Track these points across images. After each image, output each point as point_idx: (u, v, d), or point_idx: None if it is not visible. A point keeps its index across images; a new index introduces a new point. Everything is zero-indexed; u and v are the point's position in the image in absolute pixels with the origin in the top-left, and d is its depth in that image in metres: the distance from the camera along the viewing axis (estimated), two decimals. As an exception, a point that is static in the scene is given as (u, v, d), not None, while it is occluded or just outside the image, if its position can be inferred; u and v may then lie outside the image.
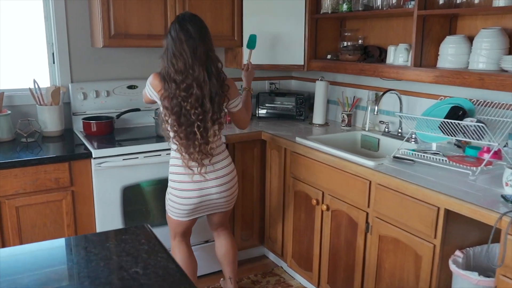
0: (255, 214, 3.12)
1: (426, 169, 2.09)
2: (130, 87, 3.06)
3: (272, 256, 3.19)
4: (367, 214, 2.23)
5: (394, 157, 2.24)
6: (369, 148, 2.84)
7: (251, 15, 3.09)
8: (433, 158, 2.13)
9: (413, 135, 2.61)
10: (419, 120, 2.29)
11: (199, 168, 2.21)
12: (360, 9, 2.70)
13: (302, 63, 3.08)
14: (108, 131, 2.86)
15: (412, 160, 2.17)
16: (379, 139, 2.80)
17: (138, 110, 3.06)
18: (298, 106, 3.28)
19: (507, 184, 1.80)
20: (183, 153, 2.19)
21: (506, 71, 2.06)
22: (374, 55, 2.83)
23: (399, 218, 2.04)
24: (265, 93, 3.43)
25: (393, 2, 2.57)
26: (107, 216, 2.56)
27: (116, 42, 2.75)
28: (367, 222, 2.24)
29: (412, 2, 2.35)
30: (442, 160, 2.08)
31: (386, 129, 2.80)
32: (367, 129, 2.93)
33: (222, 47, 3.25)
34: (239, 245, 3.03)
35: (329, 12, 2.91)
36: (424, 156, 2.17)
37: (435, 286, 1.93)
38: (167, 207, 2.39)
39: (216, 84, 2.16)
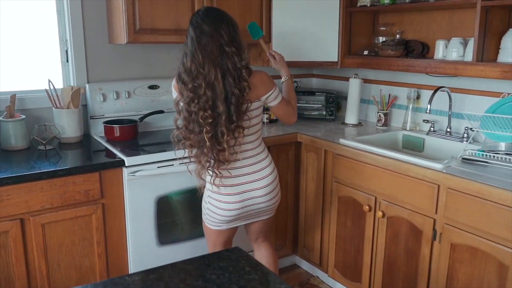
0: (288, 222, 2.92)
1: (505, 171, 1.94)
2: (151, 87, 2.80)
3: (305, 265, 3.00)
4: (434, 221, 2.07)
5: (463, 158, 2.09)
6: (412, 149, 2.69)
7: (281, 9, 2.89)
8: (510, 159, 1.98)
9: (465, 135, 2.47)
10: (484, 119, 2.15)
11: (214, 178, 1.99)
12: (407, 1, 2.53)
13: (336, 60, 2.90)
14: (132, 136, 2.60)
15: (486, 162, 2.01)
16: (424, 139, 2.65)
17: (161, 112, 2.80)
18: (329, 105, 3.10)
19: None
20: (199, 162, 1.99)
21: None
22: (415, 50, 2.68)
23: (478, 225, 1.88)
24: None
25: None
26: (140, 230, 2.31)
27: (141, 37, 2.50)
28: (434, 229, 2.07)
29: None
30: (523, 161, 1.94)
31: (432, 129, 2.65)
32: (408, 129, 2.78)
33: (251, 43, 3.02)
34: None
35: (368, 5, 2.74)
36: (498, 157, 2.02)
37: (524, 298, 1.79)
38: (204, 216, 2.17)
39: (232, 82, 1.89)
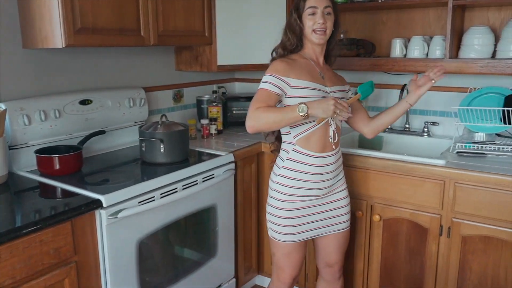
0: (254, 241, 2.65)
1: (504, 160, 2.04)
2: (83, 102, 2.22)
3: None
4: (441, 216, 2.08)
5: (458, 152, 2.14)
6: (371, 147, 2.68)
7: (225, 8, 2.59)
8: (507, 148, 2.10)
9: (425, 129, 2.57)
10: (462, 112, 2.25)
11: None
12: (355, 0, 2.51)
13: (285, 61, 2.72)
14: (78, 166, 2.02)
15: (482, 153, 2.10)
16: (383, 137, 2.68)
17: (103, 132, 2.25)
18: (273, 110, 2.91)
19: None
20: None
21: (544, 58, 2.16)
22: (363, 50, 2.68)
23: (491, 214, 1.95)
24: (233, 98, 2.95)
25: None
26: (121, 283, 1.80)
27: (82, 39, 1.94)
28: (440, 225, 2.09)
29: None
30: (518, 149, 2.07)
31: (390, 126, 2.69)
32: (362, 128, 2.77)
33: (194, 44, 2.64)
34: (240, 279, 2.55)
35: (318, 3, 2.63)
36: (492, 147, 2.13)
37: (542, 276, 1.91)
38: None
39: None
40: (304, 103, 1.65)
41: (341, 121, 1.92)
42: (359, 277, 2.37)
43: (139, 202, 1.80)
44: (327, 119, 1.79)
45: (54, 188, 1.83)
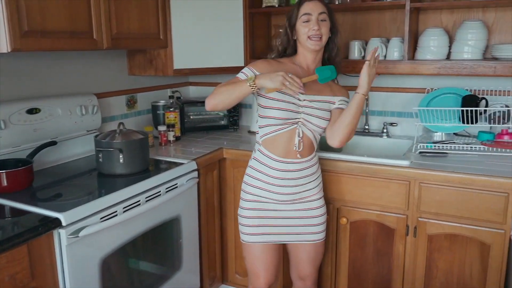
0: (217, 250, 2.56)
1: (466, 159, 2.09)
2: (30, 111, 2.04)
3: (237, 293, 2.70)
4: (407, 217, 2.10)
5: (421, 152, 2.17)
6: (333, 149, 2.67)
7: (180, 10, 2.49)
8: (467, 147, 2.15)
9: (384, 130, 2.61)
10: (422, 113, 2.29)
11: None
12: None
13: (243, 64, 2.66)
14: (28, 182, 1.85)
15: (444, 153, 2.14)
16: (343, 138, 2.68)
17: (54, 143, 2.08)
18: (232, 114, 2.84)
19: (550, 160, 1.96)
20: None
21: (497, 58, 2.25)
22: (323, 52, 2.68)
23: (455, 212, 1.99)
24: (190, 102, 2.84)
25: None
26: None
27: (30, 42, 1.78)
28: (406, 225, 2.11)
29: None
30: (478, 148, 2.13)
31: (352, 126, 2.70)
32: (321, 130, 2.77)
33: (149, 48, 2.51)
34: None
35: (276, 5, 2.60)
36: (452, 147, 2.17)
37: (504, 271, 1.97)
38: None
39: None
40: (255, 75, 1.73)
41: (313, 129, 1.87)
42: (327, 281, 2.35)
43: (101, 218, 1.67)
44: (275, 91, 1.77)
45: (2, 207, 1.66)
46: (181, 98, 3.00)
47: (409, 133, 2.62)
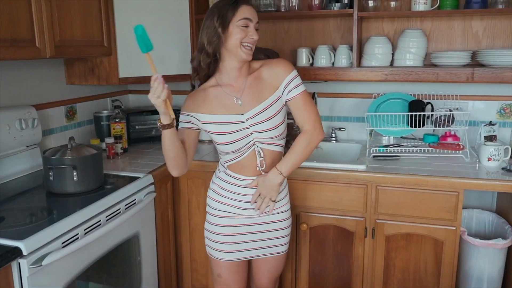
0: (173, 265, 2.46)
1: (418, 161, 2.20)
2: (-36, 127, 1.83)
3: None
4: (365, 219, 2.17)
5: (374, 156, 2.25)
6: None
7: (125, 13, 2.36)
8: (416, 150, 2.26)
9: (333, 135, 2.67)
10: (372, 118, 2.38)
11: None
12: (272, 9, 2.50)
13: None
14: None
15: (396, 156, 2.24)
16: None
17: (-6, 162, 1.88)
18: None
19: (489, 159, 2.13)
20: None
21: (436, 65, 2.40)
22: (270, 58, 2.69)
23: (410, 212, 2.09)
24: (135, 112, 2.70)
25: (293, 4, 2.53)
26: None
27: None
28: (365, 227, 2.18)
29: (337, 4, 2.38)
30: (427, 150, 2.25)
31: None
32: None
33: (93, 55, 2.35)
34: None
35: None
36: (403, 150, 2.28)
37: (456, 265, 2.10)
38: None
39: None
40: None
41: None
42: (287, 287, 2.36)
43: (62, 243, 1.53)
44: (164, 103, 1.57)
45: None
46: (122, 107, 2.85)
47: (355, 137, 2.72)
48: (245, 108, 1.69)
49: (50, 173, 1.82)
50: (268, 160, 1.75)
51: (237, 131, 1.68)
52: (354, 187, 2.15)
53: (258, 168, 1.74)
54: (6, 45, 1.73)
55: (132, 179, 2.04)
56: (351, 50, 2.46)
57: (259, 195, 1.74)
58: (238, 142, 1.69)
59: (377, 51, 2.44)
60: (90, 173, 1.88)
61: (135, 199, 1.96)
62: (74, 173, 1.81)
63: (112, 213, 1.80)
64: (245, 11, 1.64)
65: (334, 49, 2.56)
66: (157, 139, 2.70)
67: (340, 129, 2.69)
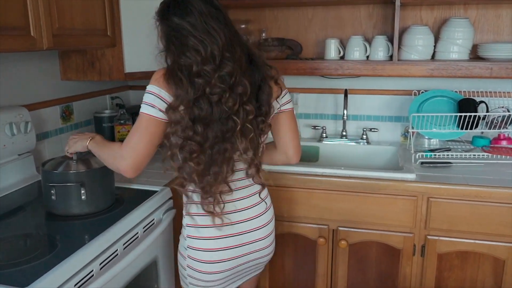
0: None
1: (473, 169, 1.93)
2: None
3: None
4: (414, 235, 1.91)
5: (423, 163, 1.98)
6: (308, 159, 2.41)
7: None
8: (469, 155, 2.00)
9: (364, 136, 2.39)
10: (415, 118, 2.10)
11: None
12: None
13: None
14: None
15: (448, 163, 1.97)
16: (318, 147, 2.42)
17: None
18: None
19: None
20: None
21: (484, 59, 2.13)
22: (294, 51, 2.39)
23: (469, 228, 1.83)
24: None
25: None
26: None
27: None
28: (414, 244, 1.91)
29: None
30: (481, 155, 1.98)
31: (324, 135, 2.45)
32: (293, 138, 2.48)
33: (96, 47, 2.00)
34: None
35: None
36: (454, 155, 2.01)
37: (518, 285, 1.86)
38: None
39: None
40: None
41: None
42: (322, 311, 2.09)
43: (75, 285, 1.21)
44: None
45: None
46: (124, 105, 2.51)
47: (387, 139, 2.45)
48: None
49: (52, 191, 1.49)
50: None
51: None
52: (402, 199, 1.87)
53: None
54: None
55: (148, 194, 1.71)
56: (389, 41, 2.18)
57: None
58: None
59: (418, 43, 2.16)
60: (100, 190, 1.56)
61: (153, 219, 1.65)
62: (82, 191, 1.49)
63: (129, 239, 1.48)
64: None
65: (366, 41, 2.27)
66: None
67: (372, 130, 2.41)
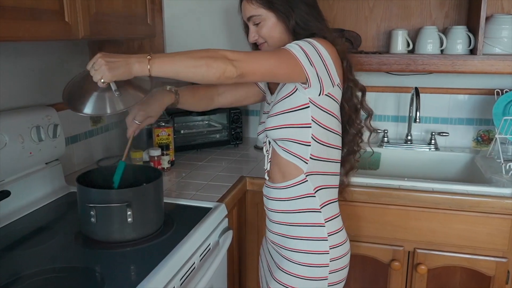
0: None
1: None
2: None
3: None
4: (508, 261, 1.62)
5: (517, 175, 1.69)
6: (368, 167, 2.12)
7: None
8: None
9: (432, 141, 2.10)
10: (505, 123, 1.81)
11: None
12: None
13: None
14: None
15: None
16: (380, 153, 2.13)
17: (7, 194, 1.26)
18: (234, 126, 2.14)
19: None
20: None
21: None
22: (353, 44, 2.10)
23: None
24: (178, 112, 2.08)
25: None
26: None
27: None
28: (508, 271, 1.62)
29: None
30: None
31: (386, 139, 2.16)
32: (349, 143, 2.19)
33: (136, 36, 1.73)
34: None
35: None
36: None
37: None
38: None
39: None
40: None
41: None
42: None
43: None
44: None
45: None
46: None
47: (457, 144, 2.15)
48: (273, 89, 1.43)
49: (91, 213, 1.21)
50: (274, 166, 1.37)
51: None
52: (496, 218, 1.58)
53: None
54: (23, 17, 1.11)
55: (201, 212, 1.43)
56: (469, 32, 1.88)
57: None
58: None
59: (504, 34, 1.86)
60: (149, 211, 1.28)
61: (209, 244, 1.37)
62: (129, 213, 1.21)
63: (186, 272, 1.20)
64: (243, 11, 1.37)
65: (440, 32, 1.97)
66: (204, 146, 2.12)
67: (441, 134, 2.11)
